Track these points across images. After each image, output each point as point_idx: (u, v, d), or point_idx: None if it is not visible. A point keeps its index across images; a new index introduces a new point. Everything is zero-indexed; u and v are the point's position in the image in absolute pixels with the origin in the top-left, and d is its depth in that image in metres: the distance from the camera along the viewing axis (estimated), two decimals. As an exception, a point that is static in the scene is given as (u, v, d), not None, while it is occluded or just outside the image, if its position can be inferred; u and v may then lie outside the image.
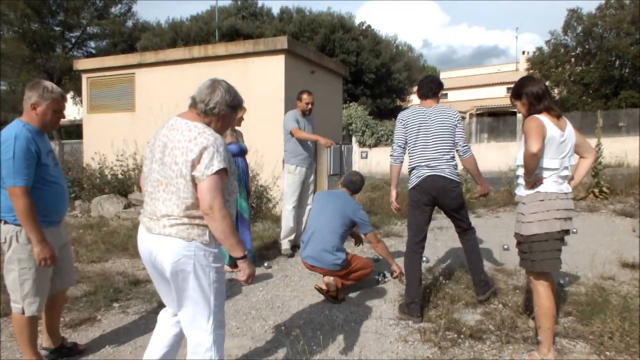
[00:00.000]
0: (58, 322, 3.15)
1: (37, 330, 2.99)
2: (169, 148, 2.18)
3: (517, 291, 4.17)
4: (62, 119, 2.87)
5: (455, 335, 3.30)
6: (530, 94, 2.94)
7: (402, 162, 3.98)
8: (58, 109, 2.77)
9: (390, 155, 4.03)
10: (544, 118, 2.88)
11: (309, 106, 5.81)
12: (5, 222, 2.67)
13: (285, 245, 5.81)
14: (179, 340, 2.52)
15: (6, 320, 3.64)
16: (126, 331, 3.53)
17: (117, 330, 3.55)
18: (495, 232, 6.82)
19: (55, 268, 2.85)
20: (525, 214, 2.95)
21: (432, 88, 3.95)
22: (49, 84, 2.75)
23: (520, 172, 3.02)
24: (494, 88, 37.58)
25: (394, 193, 4.08)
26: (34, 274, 2.72)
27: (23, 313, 2.74)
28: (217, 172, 2.10)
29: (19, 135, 2.57)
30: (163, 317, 2.51)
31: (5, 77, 26.57)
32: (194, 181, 2.12)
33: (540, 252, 2.91)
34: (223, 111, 2.28)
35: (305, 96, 5.79)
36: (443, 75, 48.06)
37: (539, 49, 29.37)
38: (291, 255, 5.72)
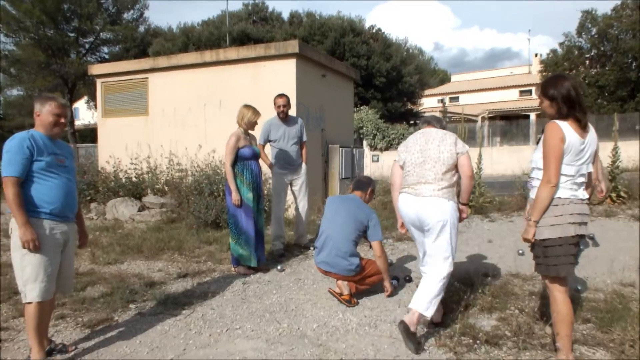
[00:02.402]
0: (47, 325, 3.21)
1: (46, 319, 3.09)
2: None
3: (533, 297, 4.12)
4: (63, 124, 3.15)
5: (471, 341, 3.27)
6: (565, 97, 2.81)
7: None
8: (57, 112, 3.09)
9: None
10: (563, 124, 2.79)
11: (282, 109, 5.88)
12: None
13: (277, 245, 5.97)
14: None
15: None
16: (142, 332, 3.56)
17: (133, 331, 3.57)
18: (509, 236, 6.76)
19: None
20: None
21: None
22: (49, 94, 3.23)
23: (535, 174, 2.98)
24: (507, 91, 37.29)
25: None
26: (33, 260, 2.92)
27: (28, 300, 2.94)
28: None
29: (17, 136, 2.98)
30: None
31: (22, 82, 26.97)
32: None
33: (554, 257, 2.86)
34: None
35: (277, 99, 5.91)
36: (454, 79, 47.95)
37: (553, 51, 29.09)
38: (282, 255, 5.85)
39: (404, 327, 3.21)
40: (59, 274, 3.11)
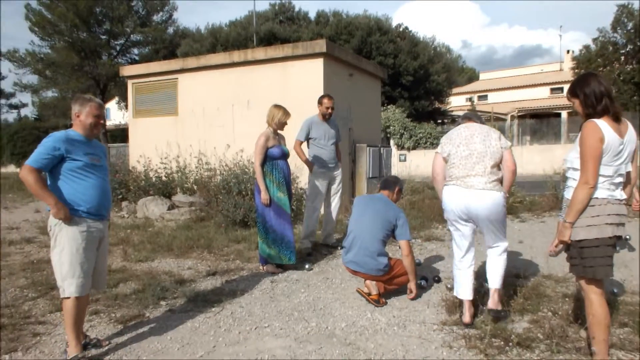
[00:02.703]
0: (83, 320, 3.28)
1: (83, 314, 3.17)
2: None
3: (567, 299, 4.03)
4: (102, 124, 3.27)
5: (502, 343, 3.22)
6: (591, 93, 2.76)
7: None
8: (97, 114, 3.18)
9: None
10: (602, 123, 2.72)
11: (329, 110, 5.96)
12: None
13: (305, 244, 6.00)
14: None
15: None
16: (173, 328, 3.61)
17: (164, 327, 3.63)
18: (540, 237, 6.63)
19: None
20: None
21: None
22: (87, 95, 3.25)
23: (571, 174, 2.91)
24: (537, 89, 36.51)
25: None
26: (71, 256, 3.02)
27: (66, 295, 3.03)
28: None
29: (54, 135, 3.06)
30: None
31: (56, 84, 27.76)
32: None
33: (591, 258, 2.78)
34: None
35: (325, 100, 5.96)
36: (483, 77, 47.24)
37: (586, 47, 28.27)
38: (310, 254, 5.87)
39: (494, 313, 3.54)
40: (94, 271, 3.20)
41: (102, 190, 3.19)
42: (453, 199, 3.56)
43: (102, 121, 3.23)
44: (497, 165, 3.54)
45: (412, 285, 4.23)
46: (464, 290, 3.66)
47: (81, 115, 3.14)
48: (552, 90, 35.75)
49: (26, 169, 2.94)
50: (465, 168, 3.51)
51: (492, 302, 3.59)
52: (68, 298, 3.03)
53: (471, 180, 3.48)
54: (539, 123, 24.81)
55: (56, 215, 2.98)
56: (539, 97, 35.06)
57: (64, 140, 3.03)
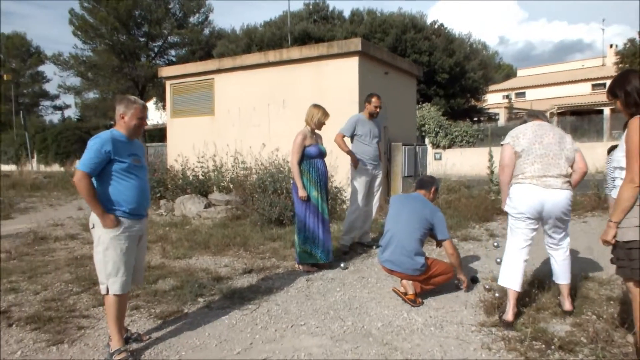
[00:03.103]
0: (124, 316, 3.36)
1: (124, 310, 3.24)
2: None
3: (612, 302, 3.89)
4: (145, 125, 3.30)
5: (543, 346, 3.13)
6: (633, 91, 2.68)
7: None
8: (141, 116, 3.24)
9: None
10: None
11: (378, 110, 5.97)
12: None
13: (345, 241, 6.01)
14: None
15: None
16: (210, 325, 3.67)
17: (202, 324, 3.69)
18: (582, 237, 6.42)
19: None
20: None
21: None
22: (132, 97, 3.28)
23: (618, 173, 2.82)
24: (578, 85, 35.36)
25: None
26: (115, 256, 3.09)
27: (107, 292, 3.10)
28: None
29: (100, 136, 3.11)
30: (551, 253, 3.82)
31: (98, 86, 28.68)
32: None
33: (640, 260, 2.70)
34: None
35: (374, 99, 5.95)
36: (520, 73, 46.11)
37: (631, 40, 27.25)
38: (346, 252, 5.89)
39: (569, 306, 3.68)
40: (135, 267, 3.29)
41: (143, 191, 3.26)
42: (528, 198, 3.53)
43: (145, 123, 3.28)
44: (570, 167, 3.65)
45: (462, 277, 4.34)
46: (514, 281, 3.59)
47: (126, 116, 3.18)
48: (594, 86, 34.57)
49: (79, 175, 3.00)
50: (542, 167, 3.53)
51: (568, 298, 3.71)
52: (108, 294, 3.11)
53: (549, 180, 3.51)
54: (579, 120, 23.99)
55: (104, 226, 3.05)
56: (580, 94, 33.95)
57: (110, 141, 3.07)
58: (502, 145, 3.75)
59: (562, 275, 3.75)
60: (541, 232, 3.83)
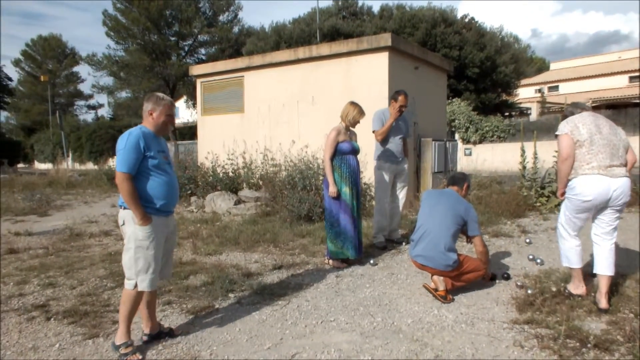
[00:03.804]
0: (154, 309, 3.42)
1: (137, 308, 3.24)
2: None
3: (651, 300, 3.77)
4: (173, 123, 3.33)
5: (578, 344, 3.06)
6: None
7: None
8: (169, 113, 3.26)
9: None
10: None
11: (404, 109, 5.93)
12: (125, 208, 3.13)
13: (379, 239, 6.05)
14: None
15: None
16: (241, 320, 3.72)
17: (233, 319, 3.74)
18: (619, 234, 6.19)
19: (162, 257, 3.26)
20: None
21: None
22: (160, 94, 3.29)
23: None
24: (614, 77, 34.22)
25: None
26: (146, 253, 3.12)
27: (135, 288, 3.13)
28: None
29: (132, 132, 3.10)
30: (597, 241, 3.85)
31: (130, 85, 29.30)
32: None
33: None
34: None
35: (401, 98, 5.87)
36: (553, 66, 44.93)
37: (671, 31, 26.16)
38: (384, 248, 5.90)
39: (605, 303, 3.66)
40: (165, 262, 3.34)
41: (172, 187, 3.27)
42: (598, 189, 3.63)
43: (173, 120, 3.30)
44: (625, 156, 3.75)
45: (488, 273, 4.41)
46: (577, 259, 3.91)
47: (155, 112, 3.19)
48: (631, 78, 33.39)
49: (121, 177, 3.00)
50: (607, 156, 3.63)
51: (606, 295, 3.69)
52: (133, 290, 3.13)
53: (615, 170, 3.62)
54: (616, 114, 23.18)
55: (141, 225, 3.07)
56: (616, 86, 32.85)
57: (142, 136, 3.09)
58: (557, 135, 3.79)
59: (607, 266, 3.74)
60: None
